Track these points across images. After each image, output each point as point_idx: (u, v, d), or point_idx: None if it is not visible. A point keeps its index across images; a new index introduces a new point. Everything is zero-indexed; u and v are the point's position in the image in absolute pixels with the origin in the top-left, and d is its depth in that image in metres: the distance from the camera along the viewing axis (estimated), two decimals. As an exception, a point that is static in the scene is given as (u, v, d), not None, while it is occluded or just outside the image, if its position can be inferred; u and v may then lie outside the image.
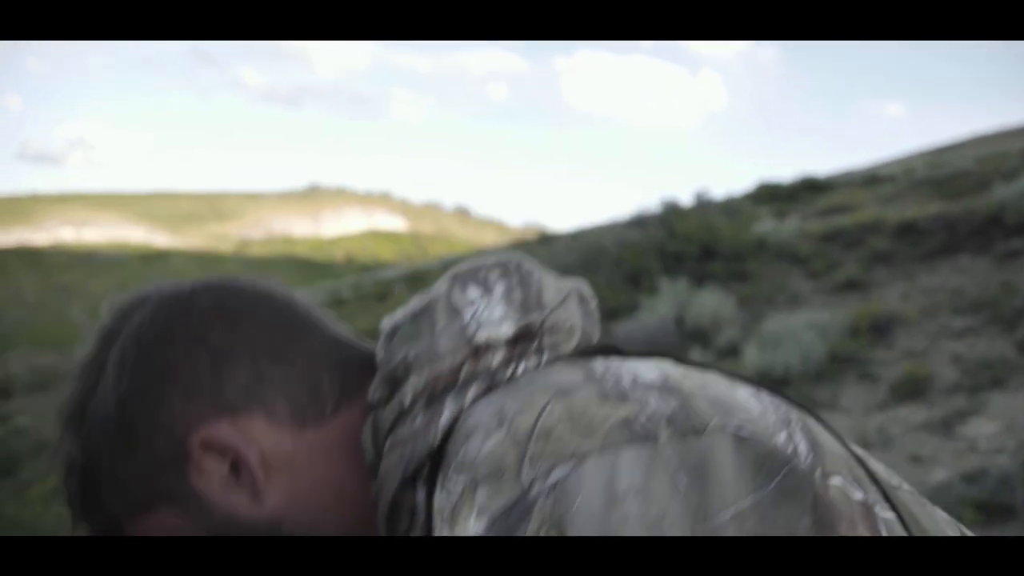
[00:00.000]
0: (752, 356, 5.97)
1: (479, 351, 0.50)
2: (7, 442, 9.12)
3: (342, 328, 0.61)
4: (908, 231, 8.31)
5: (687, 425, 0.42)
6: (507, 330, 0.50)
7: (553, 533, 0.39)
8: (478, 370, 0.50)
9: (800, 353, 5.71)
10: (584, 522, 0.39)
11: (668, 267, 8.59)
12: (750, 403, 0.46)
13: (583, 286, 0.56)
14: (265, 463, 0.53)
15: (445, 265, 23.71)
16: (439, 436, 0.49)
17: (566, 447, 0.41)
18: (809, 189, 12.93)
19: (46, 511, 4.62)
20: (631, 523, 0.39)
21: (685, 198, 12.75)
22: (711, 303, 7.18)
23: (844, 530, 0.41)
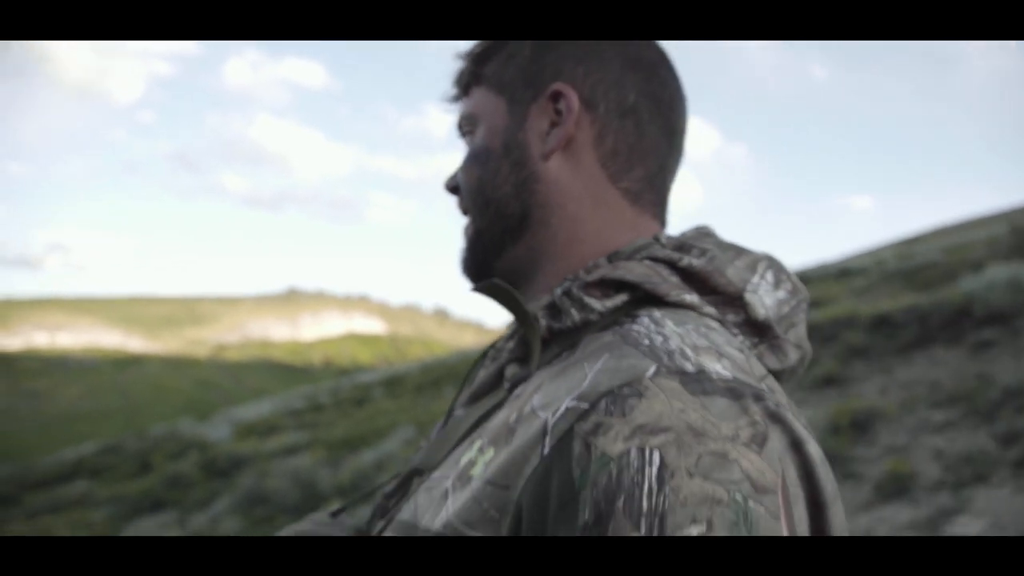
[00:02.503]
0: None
1: (736, 300, 0.61)
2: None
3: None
4: (882, 324, 8.40)
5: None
6: (760, 314, 0.61)
7: (763, 429, 0.50)
8: (720, 305, 0.62)
9: (782, 451, 5.68)
10: (777, 442, 0.51)
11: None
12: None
13: (809, 350, 0.68)
14: (567, 145, 0.67)
15: (424, 368, 23.60)
16: (675, 299, 0.60)
17: (785, 401, 0.56)
18: None
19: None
20: (823, 475, 0.52)
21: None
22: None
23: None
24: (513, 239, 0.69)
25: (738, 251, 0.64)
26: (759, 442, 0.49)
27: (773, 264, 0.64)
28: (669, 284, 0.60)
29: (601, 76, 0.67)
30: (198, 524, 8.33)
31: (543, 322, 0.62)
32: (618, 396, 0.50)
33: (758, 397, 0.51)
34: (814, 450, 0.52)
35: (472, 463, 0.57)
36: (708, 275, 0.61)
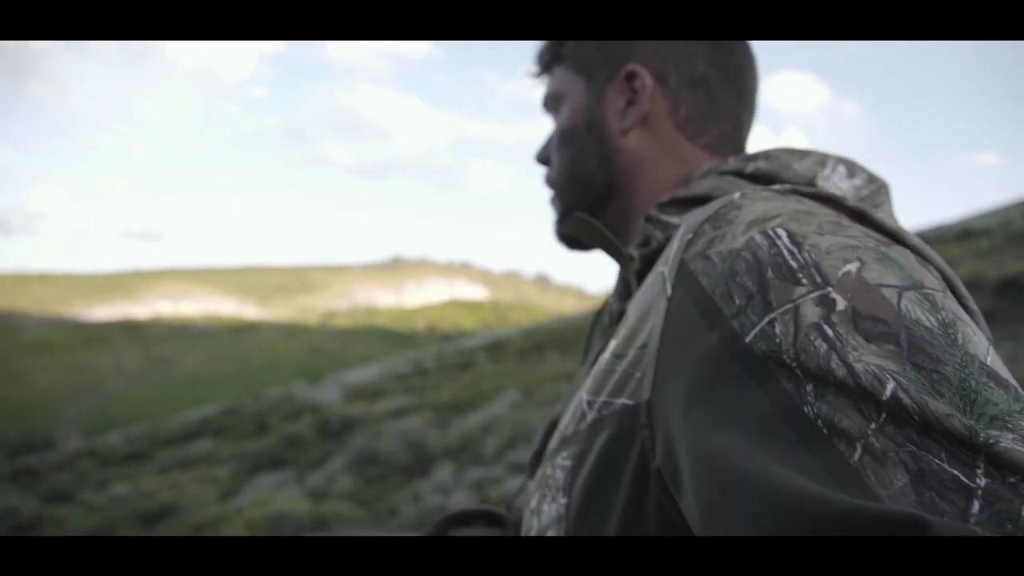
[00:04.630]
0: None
1: (814, 192, 0.58)
2: (106, 509, 9.41)
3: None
4: (1009, 287, 7.92)
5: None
6: (838, 197, 0.57)
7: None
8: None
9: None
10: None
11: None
12: None
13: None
14: (643, 120, 0.71)
15: (525, 333, 23.80)
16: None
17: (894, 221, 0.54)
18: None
19: None
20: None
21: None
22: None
23: None
24: (603, 206, 0.74)
25: (805, 152, 0.64)
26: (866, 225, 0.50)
27: (844, 160, 0.65)
28: (739, 187, 0.62)
29: (670, 50, 0.72)
30: (315, 482, 8.72)
31: (635, 253, 0.64)
32: (717, 216, 0.51)
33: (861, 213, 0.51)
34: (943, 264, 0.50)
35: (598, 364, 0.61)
36: (776, 173, 0.63)
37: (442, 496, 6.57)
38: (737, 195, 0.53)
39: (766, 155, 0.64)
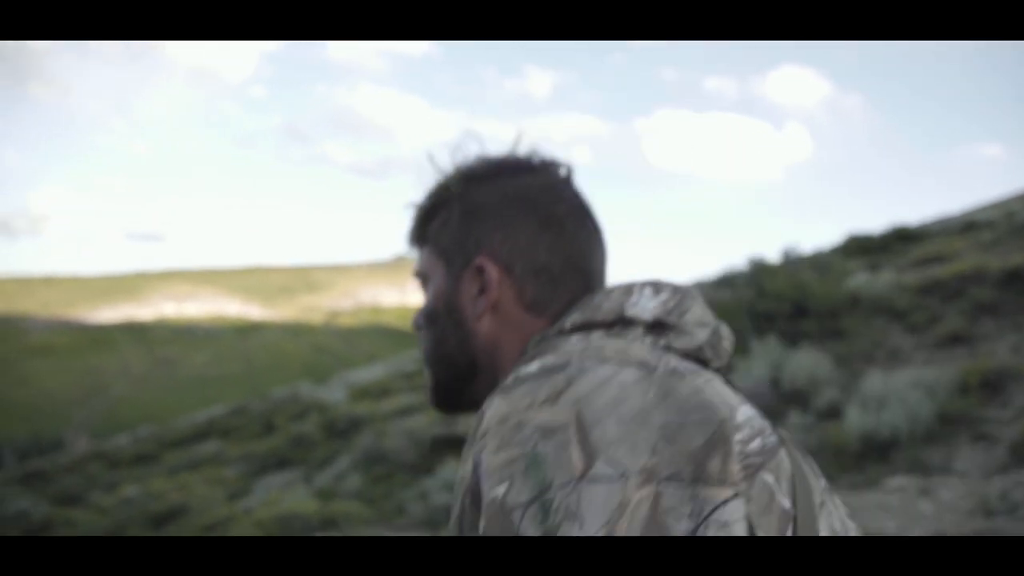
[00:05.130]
0: (854, 418, 5.70)
1: (624, 320, 0.73)
2: (115, 511, 9.47)
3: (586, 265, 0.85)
4: (1014, 279, 7.92)
5: (679, 373, 0.65)
6: (647, 316, 0.73)
7: (562, 386, 0.62)
8: (612, 329, 0.74)
9: (907, 414, 5.45)
10: (580, 387, 0.61)
11: (759, 327, 8.38)
12: (743, 409, 0.66)
13: (724, 327, 0.78)
14: (494, 307, 0.81)
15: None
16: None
17: (603, 356, 0.66)
18: (901, 239, 12.47)
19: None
20: (604, 398, 0.60)
21: (773, 254, 12.40)
22: (807, 363, 6.93)
23: (719, 453, 0.60)
24: (469, 381, 0.84)
25: (608, 292, 0.77)
26: (554, 397, 0.60)
27: (649, 283, 0.77)
28: (557, 342, 0.74)
29: (515, 242, 0.82)
30: (322, 481, 8.76)
31: None
32: (471, 431, 0.66)
33: (559, 368, 0.64)
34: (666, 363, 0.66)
35: None
36: (589, 320, 0.75)
37: (449, 493, 6.60)
38: (489, 405, 0.65)
39: (581, 305, 0.77)
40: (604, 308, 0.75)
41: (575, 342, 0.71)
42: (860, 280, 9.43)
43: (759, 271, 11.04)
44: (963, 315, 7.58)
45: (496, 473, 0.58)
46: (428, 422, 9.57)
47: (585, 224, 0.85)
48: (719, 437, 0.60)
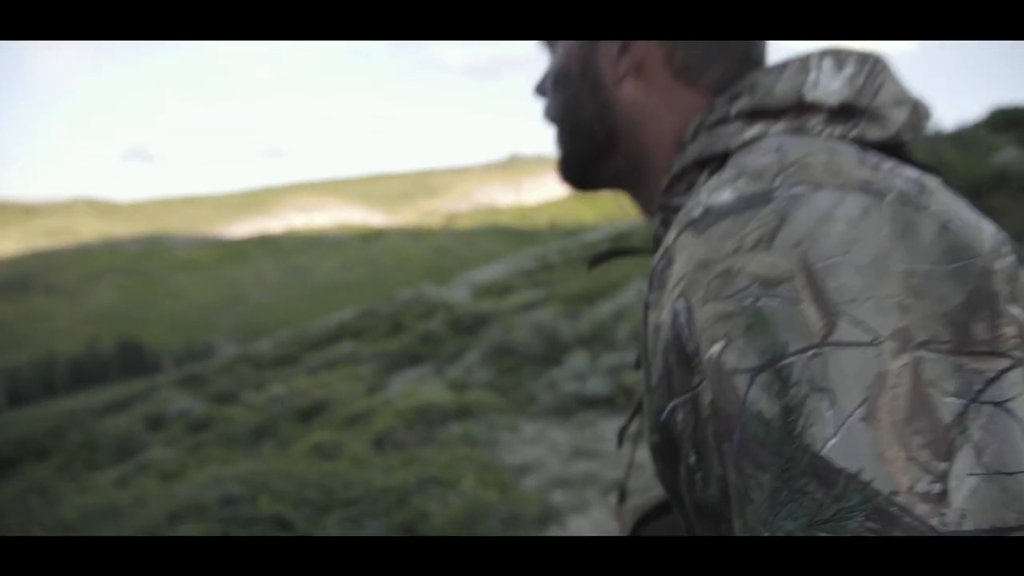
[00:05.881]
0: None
1: (802, 107, 0.60)
2: (266, 408, 10.17)
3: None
4: None
5: (913, 201, 0.50)
6: (832, 101, 0.60)
7: (774, 223, 0.49)
8: (791, 119, 0.61)
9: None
10: (798, 224, 0.48)
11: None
12: (985, 227, 0.51)
13: (922, 102, 0.63)
14: (639, 68, 0.69)
15: (648, 225, 23.28)
16: (737, 144, 0.61)
17: (813, 177, 0.52)
18: (1014, 122, 11.34)
19: (308, 467, 5.07)
20: (832, 238, 0.48)
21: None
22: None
23: (985, 315, 0.46)
24: (606, 155, 0.73)
25: (784, 64, 0.63)
26: (767, 239, 0.49)
27: (829, 52, 0.62)
28: (725, 137, 0.61)
29: None
30: (454, 374, 9.07)
31: (660, 232, 0.67)
32: (659, 273, 0.55)
33: (763, 198, 0.51)
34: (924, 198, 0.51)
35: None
36: (760, 105, 0.61)
37: (578, 382, 6.69)
38: (671, 242, 0.55)
39: (748, 86, 0.63)
40: (778, 91, 0.61)
41: (764, 149, 0.56)
42: (1009, 156, 8.69)
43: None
44: None
45: (709, 329, 0.47)
46: (554, 315, 9.68)
47: None
48: (984, 292, 0.46)
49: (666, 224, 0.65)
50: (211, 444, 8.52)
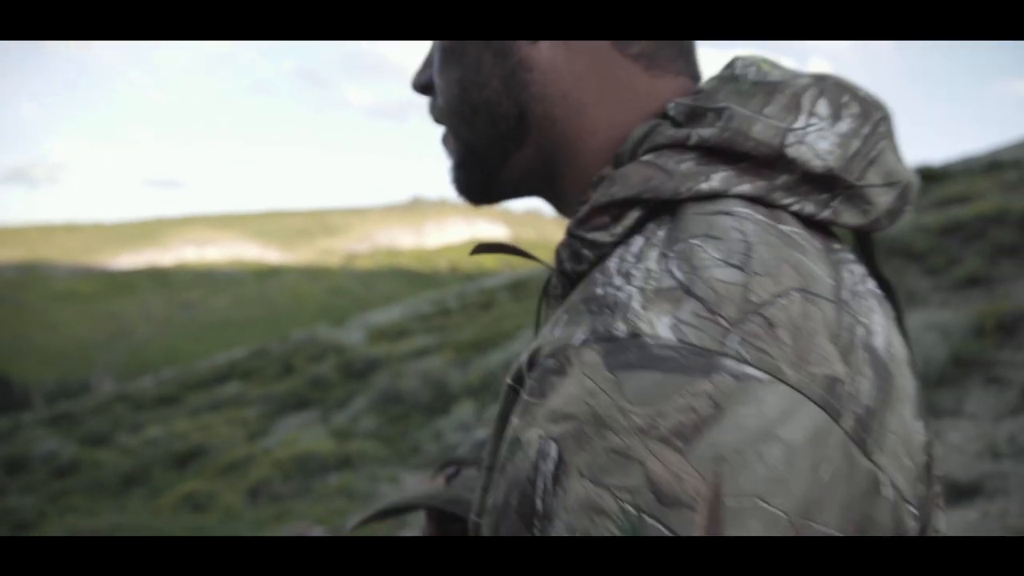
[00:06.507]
0: (867, 358, 5.69)
1: (777, 160, 0.47)
2: (140, 452, 9.70)
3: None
4: (1036, 221, 7.79)
5: (861, 436, 0.40)
6: (817, 166, 0.46)
7: (705, 413, 0.38)
8: (759, 172, 0.47)
9: (921, 356, 5.43)
10: (732, 432, 0.37)
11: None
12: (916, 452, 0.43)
13: (914, 183, 0.50)
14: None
15: (547, 272, 23.62)
16: (687, 193, 0.47)
17: (775, 358, 0.39)
18: (924, 179, 12.28)
19: (176, 519, 4.87)
20: (760, 472, 0.37)
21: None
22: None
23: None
24: (516, 143, 0.56)
25: (770, 90, 0.49)
26: (688, 434, 0.37)
27: (827, 87, 0.49)
28: (677, 178, 0.47)
29: None
30: (339, 422, 8.91)
31: (567, 266, 0.51)
32: (544, 371, 0.43)
33: (705, 365, 0.39)
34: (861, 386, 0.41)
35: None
36: (729, 143, 0.47)
37: (463, 433, 6.70)
38: (574, 344, 0.42)
39: (717, 112, 0.48)
40: (755, 133, 0.47)
41: (726, 242, 0.43)
42: (904, 224, 9.29)
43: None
44: (982, 257, 7.49)
45: (572, 513, 0.38)
46: (444, 363, 9.67)
47: None
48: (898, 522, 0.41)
49: (576, 259, 0.50)
50: (75, 492, 8.05)
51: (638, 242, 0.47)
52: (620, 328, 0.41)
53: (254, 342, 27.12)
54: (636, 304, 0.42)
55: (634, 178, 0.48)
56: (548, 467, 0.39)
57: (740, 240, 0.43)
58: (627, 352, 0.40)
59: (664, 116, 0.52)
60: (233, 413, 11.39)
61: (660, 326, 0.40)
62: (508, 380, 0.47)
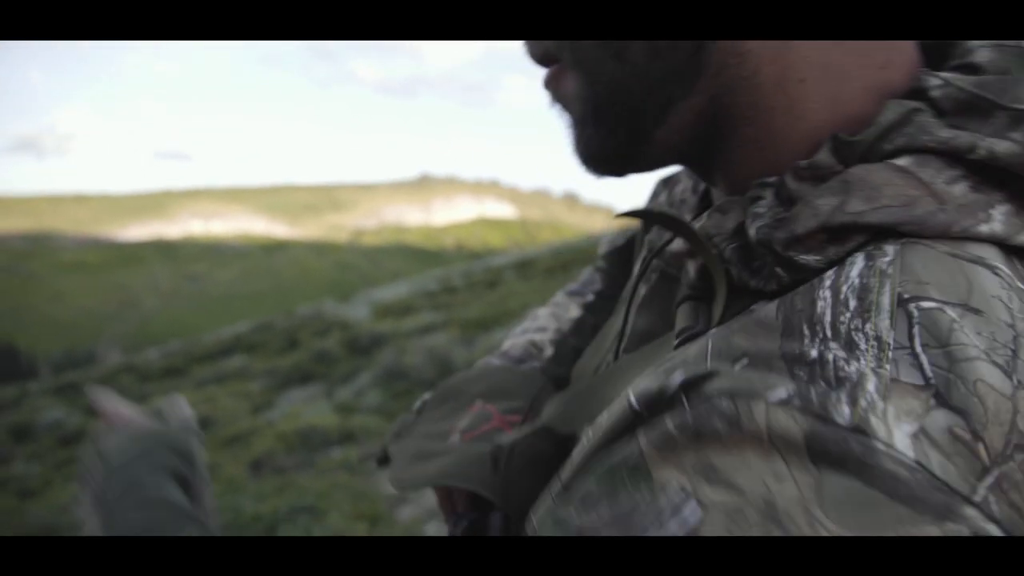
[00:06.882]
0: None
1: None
2: (144, 423, 9.74)
3: None
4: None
5: None
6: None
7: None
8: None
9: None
10: None
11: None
12: None
13: None
14: None
15: (554, 252, 23.73)
16: (959, 235, 0.33)
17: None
18: None
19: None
20: None
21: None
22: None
23: None
24: (683, 87, 0.37)
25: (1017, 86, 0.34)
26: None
27: None
28: (951, 210, 0.33)
29: None
30: (343, 396, 8.92)
31: (733, 271, 0.37)
32: (714, 411, 0.31)
33: (948, 514, 0.27)
34: None
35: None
36: (990, 98, 0.33)
37: (467, 411, 6.71)
38: (766, 400, 0.30)
39: (1018, 118, 0.33)
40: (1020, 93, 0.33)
41: (994, 307, 0.30)
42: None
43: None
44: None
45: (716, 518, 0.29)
46: (449, 340, 9.67)
47: None
48: None
49: (759, 275, 0.36)
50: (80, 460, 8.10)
51: (854, 277, 0.32)
52: (843, 412, 0.29)
53: (260, 316, 27.25)
54: (871, 387, 0.29)
55: (887, 192, 0.33)
56: (675, 528, 0.30)
57: (1007, 324, 0.30)
58: (843, 446, 0.28)
59: (915, 93, 0.36)
60: (237, 386, 11.43)
61: (899, 433, 0.28)
62: (632, 398, 0.34)
